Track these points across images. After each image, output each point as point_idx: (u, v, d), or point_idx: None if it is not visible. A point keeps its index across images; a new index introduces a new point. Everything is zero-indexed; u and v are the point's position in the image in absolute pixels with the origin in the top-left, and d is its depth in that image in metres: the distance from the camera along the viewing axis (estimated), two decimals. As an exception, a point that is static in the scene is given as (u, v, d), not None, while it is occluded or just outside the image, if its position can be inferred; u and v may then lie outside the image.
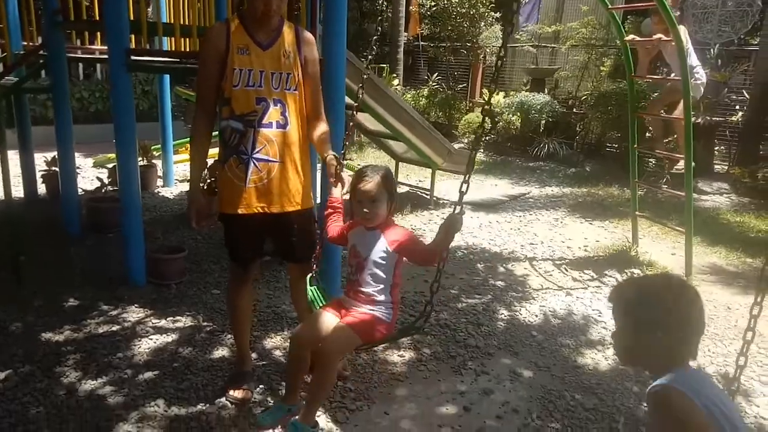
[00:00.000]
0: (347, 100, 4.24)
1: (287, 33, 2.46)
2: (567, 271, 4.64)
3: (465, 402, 2.81)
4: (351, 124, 3.43)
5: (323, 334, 2.34)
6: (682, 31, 4.65)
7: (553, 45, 11.23)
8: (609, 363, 3.22)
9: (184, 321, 3.43)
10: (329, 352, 2.28)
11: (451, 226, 2.17)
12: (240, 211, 2.45)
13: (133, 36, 4.22)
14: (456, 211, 2.18)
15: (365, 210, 2.35)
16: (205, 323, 3.42)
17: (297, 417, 2.37)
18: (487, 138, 10.28)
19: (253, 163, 2.41)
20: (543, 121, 9.63)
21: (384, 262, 2.35)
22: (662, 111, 6.08)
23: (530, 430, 2.61)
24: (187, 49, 5.24)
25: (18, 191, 5.58)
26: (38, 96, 8.37)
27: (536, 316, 3.80)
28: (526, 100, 9.82)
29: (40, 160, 5.71)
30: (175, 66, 5.02)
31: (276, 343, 3.25)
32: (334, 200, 2.63)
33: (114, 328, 3.30)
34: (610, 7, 4.68)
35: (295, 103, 2.47)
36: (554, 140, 9.24)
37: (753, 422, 2.75)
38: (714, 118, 7.85)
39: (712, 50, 8.24)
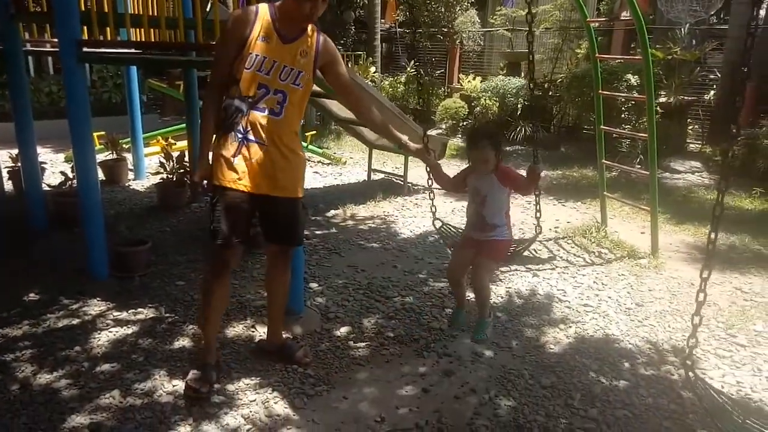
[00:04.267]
0: (315, 87, 4.20)
1: (310, 34, 2.55)
2: (535, 252, 4.66)
3: (425, 384, 2.81)
4: (318, 113, 3.64)
5: (469, 265, 3.20)
6: None
7: (526, 29, 11.18)
8: (570, 341, 3.25)
9: (146, 313, 3.40)
10: (482, 281, 3.13)
11: (534, 171, 3.08)
12: (227, 185, 2.49)
13: (86, 27, 4.13)
14: (535, 161, 3.21)
15: (480, 165, 3.11)
16: (167, 314, 3.39)
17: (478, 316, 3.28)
18: (464, 123, 10.27)
19: (245, 142, 2.48)
20: (519, 105, 9.63)
21: (499, 195, 3.12)
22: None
23: (486, 409, 2.62)
24: (152, 40, 5.17)
25: (-17, 188, 5.52)
26: (5, 92, 8.22)
27: (501, 297, 3.81)
28: (502, 84, 9.83)
29: (8, 156, 5.62)
30: (137, 56, 4.96)
31: (238, 331, 3.24)
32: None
33: (74, 322, 3.26)
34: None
35: (297, 98, 2.55)
36: (530, 124, 9.26)
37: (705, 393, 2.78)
38: (686, 98, 7.89)
39: (683, 29, 8.26)
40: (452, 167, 7.57)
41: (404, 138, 3.03)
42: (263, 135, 2.49)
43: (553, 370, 2.95)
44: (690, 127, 8.72)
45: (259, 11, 2.48)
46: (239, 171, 2.49)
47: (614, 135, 6.67)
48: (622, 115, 7.60)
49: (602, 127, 4.95)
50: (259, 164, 2.51)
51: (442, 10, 12.06)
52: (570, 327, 3.41)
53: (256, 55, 2.44)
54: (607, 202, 5.26)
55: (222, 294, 2.69)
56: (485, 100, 9.84)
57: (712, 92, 8.26)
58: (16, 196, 5.50)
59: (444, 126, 10.44)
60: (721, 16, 10.25)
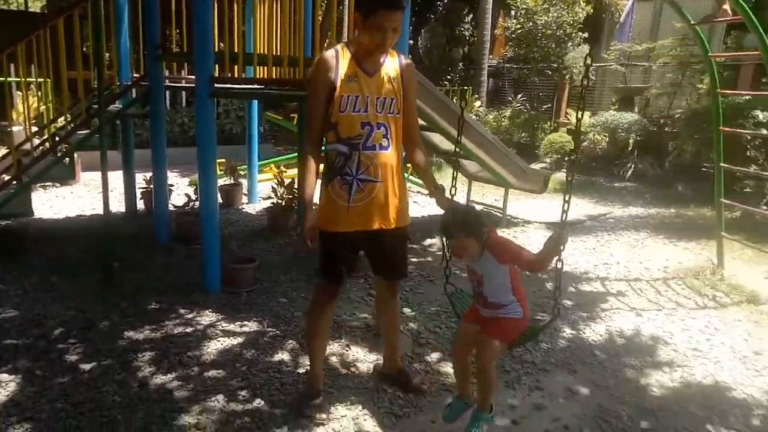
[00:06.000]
0: (420, 122, 4.27)
1: (390, 59, 2.55)
2: (641, 292, 4.43)
3: (515, 416, 2.77)
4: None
5: (472, 345, 2.61)
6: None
7: (642, 63, 10.80)
8: (674, 386, 3.05)
9: (251, 326, 3.64)
10: (484, 364, 2.50)
11: (557, 241, 2.29)
12: (341, 230, 2.55)
13: (217, 66, 4.59)
14: (562, 228, 2.32)
15: (463, 254, 2.52)
16: (270, 329, 3.61)
17: (476, 407, 2.62)
18: (571, 158, 10.02)
19: (357, 183, 2.49)
20: (631, 140, 9.26)
21: (498, 275, 2.50)
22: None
23: (578, 447, 2.53)
24: (273, 76, 5.61)
25: (121, 206, 6.19)
26: (146, 122, 9.19)
27: (600, 335, 3.66)
28: (612, 119, 9.51)
29: (143, 179, 6.28)
30: (259, 91, 5.39)
31: (333, 350, 3.36)
32: None
33: (188, 330, 3.56)
34: (692, 22, 4.51)
35: (396, 125, 2.56)
36: (643, 160, 8.85)
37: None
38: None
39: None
40: (553, 201, 7.42)
41: (433, 186, 2.69)
42: (378, 172, 2.49)
43: (654, 414, 2.79)
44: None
45: (338, 53, 2.48)
46: (352, 213, 2.51)
47: (737, 174, 6.22)
48: (747, 153, 7.06)
49: (722, 164, 4.65)
50: (374, 201, 2.52)
51: (553, 45, 11.95)
52: (675, 371, 3.20)
53: (348, 96, 2.43)
54: (726, 244, 4.90)
55: (325, 326, 2.79)
56: (594, 134, 9.56)
57: None
58: (146, 214, 6.11)
59: (548, 160, 10.25)
60: None
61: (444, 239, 2.74)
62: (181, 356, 3.23)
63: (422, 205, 7.27)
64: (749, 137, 6.74)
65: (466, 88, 12.63)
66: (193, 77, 4.15)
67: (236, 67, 4.23)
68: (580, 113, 2.35)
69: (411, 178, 8.17)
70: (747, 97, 7.34)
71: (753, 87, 9.09)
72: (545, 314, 3.75)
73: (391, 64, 2.54)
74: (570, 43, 11.95)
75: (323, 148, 2.57)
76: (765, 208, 6.03)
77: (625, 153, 9.18)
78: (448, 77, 14.74)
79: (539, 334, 2.93)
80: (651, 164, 8.88)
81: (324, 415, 2.69)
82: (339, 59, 2.46)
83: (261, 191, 7.20)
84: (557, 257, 2.33)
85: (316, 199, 2.57)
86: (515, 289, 2.53)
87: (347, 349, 3.37)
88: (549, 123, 11.65)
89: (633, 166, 8.79)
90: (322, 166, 2.60)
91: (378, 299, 2.98)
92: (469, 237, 2.42)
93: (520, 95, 12.75)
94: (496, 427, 2.68)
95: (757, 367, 3.27)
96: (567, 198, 2.33)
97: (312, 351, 2.84)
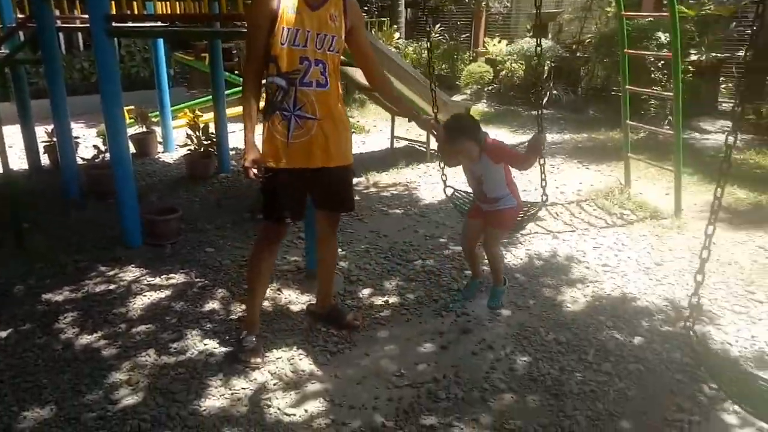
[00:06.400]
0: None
1: None
2: (557, 215, 4.68)
3: (443, 341, 2.92)
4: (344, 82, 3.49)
5: (479, 234, 3.17)
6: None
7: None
8: (587, 300, 3.31)
9: (178, 278, 3.57)
10: (492, 249, 3.10)
11: (537, 141, 2.89)
12: (282, 166, 2.53)
13: (114, 2, 4.24)
14: (540, 132, 2.94)
15: (464, 158, 2.97)
16: (198, 279, 3.56)
17: (492, 285, 3.21)
18: (489, 88, 10.17)
19: (296, 119, 2.48)
20: (546, 67, 9.47)
21: (496, 172, 2.96)
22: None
23: (502, 364, 2.72)
24: (177, 12, 5.26)
25: (23, 163, 5.77)
26: (40, 69, 8.46)
27: (521, 259, 3.87)
28: (528, 46, 9.65)
29: (44, 132, 5.84)
30: (163, 29, 5.06)
31: (265, 294, 3.37)
32: None
33: (110, 287, 3.45)
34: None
35: (335, 64, 2.53)
36: (558, 86, 9.11)
37: (720, 348, 2.82)
38: (719, 55, 7.64)
39: (716, -17, 7.94)
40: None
41: (414, 111, 3.05)
42: (316, 109, 2.48)
43: (569, 327, 3.02)
44: (723, 86, 8.46)
45: None
46: (293, 150, 2.51)
47: (642, 96, 6.55)
48: (652, 75, 7.42)
49: (628, 87, 4.88)
50: (314, 139, 2.51)
51: (467, -28, 11.83)
52: (587, 287, 3.46)
53: (289, 29, 2.39)
54: (632, 164, 5.22)
55: (266, 269, 2.79)
56: (511, 63, 9.70)
57: (746, 48, 7.97)
58: (52, 170, 5.73)
59: (469, 91, 10.35)
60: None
61: (441, 148, 3.12)
62: (106, 314, 3.15)
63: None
64: (653, 59, 7.06)
65: (383, 19, 12.37)
66: (87, 16, 3.83)
67: (135, 2, 3.94)
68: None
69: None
70: (650, 20, 7.64)
71: (656, 9, 9.45)
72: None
73: (335, 2, 2.50)
74: (485, -30, 11.87)
75: (264, 80, 2.53)
76: (667, 127, 6.41)
77: (540, 80, 9.40)
78: (365, 8, 14.34)
79: (532, 220, 3.47)
80: (565, 90, 9.16)
81: (259, 359, 2.73)
82: None
83: (177, 138, 6.89)
84: (539, 155, 2.91)
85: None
86: (509, 182, 3.03)
87: (279, 293, 3.40)
88: (468, 53, 11.69)
89: (548, 93, 9.04)
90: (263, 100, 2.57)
91: (320, 234, 2.95)
92: (470, 140, 2.86)
93: (438, 25, 12.64)
94: (428, 353, 2.82)
95: (658, 276, 3.58)
96: (543, 102, 2.62)
97: (251, 294, 2.83)
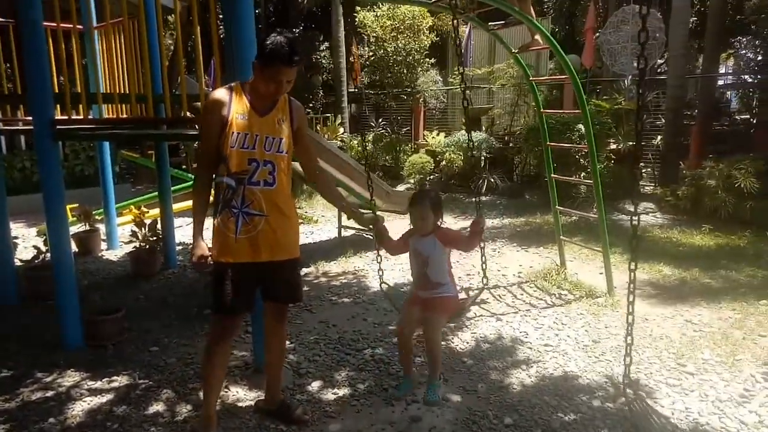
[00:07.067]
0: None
1: (282, 102, 2.71)
2: (500, 298, 4.85)
3: (393, 431, 2.93)
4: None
5: (417, 323, 3.20)
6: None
7: (485, 85, 11.79)
8: (532, 381, 3.41)
9: (120, 380, 3.47)
10: (432, 336, 3.12)
11: (478, 224, 3.11)
12: (230, 260, 2.63)
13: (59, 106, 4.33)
14: (479, 216, 3.16)
15: (419, 223, 3.19)
16: (141, 380, 3.46)
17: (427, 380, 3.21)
18: (431, 177, 10.63)
19: (243, 216, 2.61)
20: (483, 157, 10.06)
21: (441, 256, 3.17)
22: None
23: (452, 451, 2.74)
24: (124, 116, 5.39)
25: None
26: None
27: (467, 342, 3.97)
28: (464, 138, 10.26)
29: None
30: (113, 132, 5.16)
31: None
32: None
33: (48, 394, 3.31)
34: (513, 51, 5.12)
35: (284, 163, 2.69)
36: (494, 174, 9.65)
37: (656, 421, 2.95)
38: (633, 144, 8.34)
39: (626, 80, 8.83)
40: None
41: (353, 209, 3.30)
42: (263, 206, 2.62)
43: (516, 408, 3.09)
44: (643, 170, 9.18)
45: (232, 91, 2.63)
46: (240, 245, 2.61)
47: (571, 183, 7.05)
48: (580, 162, 8.02)
49: (553, 176, 5.27)
50: (262, 235, 2.63)
51: (405, 71, 12.65)
52: (531, 367, 3.57)
53: (238, 134, 2.56)
54: (566, 246, 5.53)
55: (221, 363, 2.79)
56: (450, 153, 10.25)
57: (659, 137, 8.76)
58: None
59: (412, 180, 10.78)
60: (662, 66, 10.96)
61: (380, 242, 3.38)
62: (42, 423, 3.01)
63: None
64: (575, 150, 7.67)
65: (328, 115, 12.92)
66: (19, 119, 3.87)
67: (80, 106, 4.04)
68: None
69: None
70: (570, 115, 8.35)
71: (576, 105, 10.33)
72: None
73: (282, 106, 2.71)
74: (419, 68, 12.74)
75: (214, 179, 2.68)
76: (594, 211, 6.86)
77: (479, 169, 9.94)
78: (310, 105, 14.97)
79: (473, 303, 3.64)
80: (501, 177, 9.70)
81: None
82: (232, 96, 2.62)
83: (122, 235, 6.82)
84: (481, 237, 3.15)
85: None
86: (450, 273, 3.24)
87: (227, 390, 3.34)
88: (410, 145, 12.27)
89: (486, 180, 9.54)
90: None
91: (267, 328, 2.99)
92: (432, 210, 3.14)
93: (380, 119, 13.29)
94: (378, 444, 2.81)
95: (597, 353, 3.74)
96: (481, 190, 2.91)
97: (205, 390, 2.80)
